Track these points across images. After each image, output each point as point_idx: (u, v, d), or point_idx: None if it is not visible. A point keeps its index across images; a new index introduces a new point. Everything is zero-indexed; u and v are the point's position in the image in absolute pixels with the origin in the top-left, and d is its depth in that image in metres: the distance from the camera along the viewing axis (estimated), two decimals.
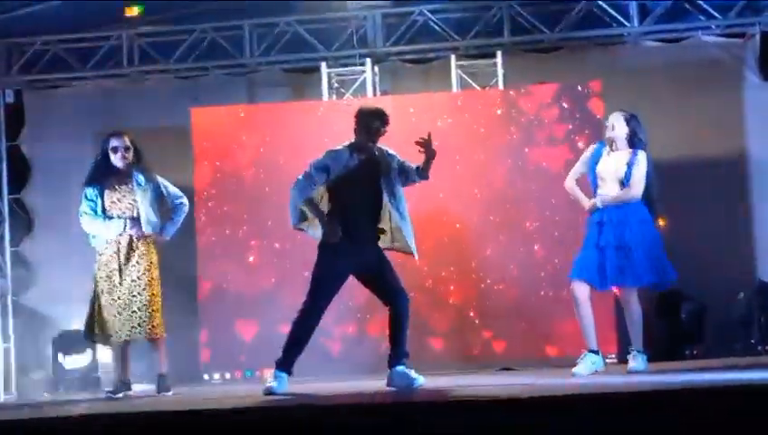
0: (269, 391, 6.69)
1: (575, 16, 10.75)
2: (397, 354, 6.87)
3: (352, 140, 7.10)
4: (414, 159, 7.13)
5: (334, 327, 9.54)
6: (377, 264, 7.00)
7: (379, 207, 7.04)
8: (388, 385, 6.83)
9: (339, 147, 7.08)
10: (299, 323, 6.87)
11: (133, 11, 11.16)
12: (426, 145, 7.03)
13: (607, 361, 9.32)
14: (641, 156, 7.53)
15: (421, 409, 5.11)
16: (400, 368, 6.82)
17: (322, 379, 8.56)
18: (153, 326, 7.66)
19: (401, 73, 11.30)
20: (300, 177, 6.99)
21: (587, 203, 7.72)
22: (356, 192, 6.98)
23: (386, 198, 7.00)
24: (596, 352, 7.50)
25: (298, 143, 9.96)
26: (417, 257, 7.14)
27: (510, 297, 9.91)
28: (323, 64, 10.92)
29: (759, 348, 9.83)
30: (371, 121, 7.05)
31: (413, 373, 6.81)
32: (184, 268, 9.76)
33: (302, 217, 7.05)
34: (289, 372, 6.85)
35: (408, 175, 7.12)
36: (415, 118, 10.13)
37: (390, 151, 7.17)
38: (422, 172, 7.09)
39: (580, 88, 10.08)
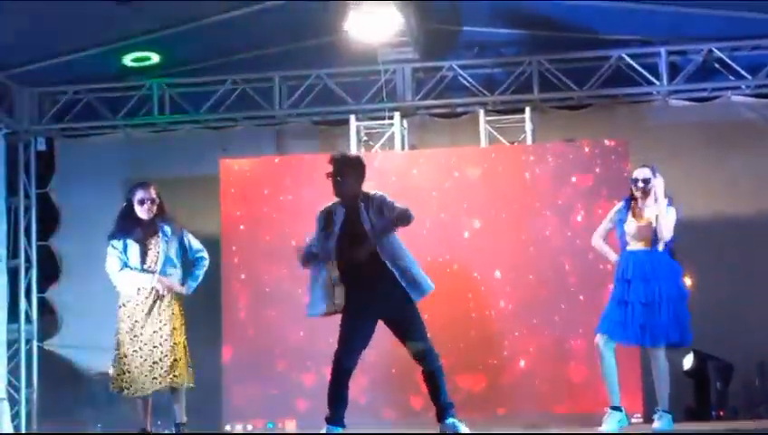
0: None
1: (604, 74, 10.76)
2: (442, 407, 6.86)
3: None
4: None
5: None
6: (399, 311, 6.87)
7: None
8: None
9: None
10: (332, 374, 6.85)
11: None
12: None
13: (633, 420, 9.25)
14: (671, 210, 7.49)
15: None
16: (450, 420, 6.82)
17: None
18: (175, 376, 7.57)
19: (430, 127, 11.33)
20: None
21: (614, 257, 7.68)
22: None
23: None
24: (619, 409, 7.41)
25: (327, 195, 9.98)
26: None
27: (530, 352, 9.85)
28: (352, 117, 10.97)
29: None
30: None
31: (463, 426, 6.81)
32: (207, 316, 9.74)
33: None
34: (341, 426, 6.81)
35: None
36: (442, 172, 10.13)
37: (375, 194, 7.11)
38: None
39: (607, 145, 10.06)
